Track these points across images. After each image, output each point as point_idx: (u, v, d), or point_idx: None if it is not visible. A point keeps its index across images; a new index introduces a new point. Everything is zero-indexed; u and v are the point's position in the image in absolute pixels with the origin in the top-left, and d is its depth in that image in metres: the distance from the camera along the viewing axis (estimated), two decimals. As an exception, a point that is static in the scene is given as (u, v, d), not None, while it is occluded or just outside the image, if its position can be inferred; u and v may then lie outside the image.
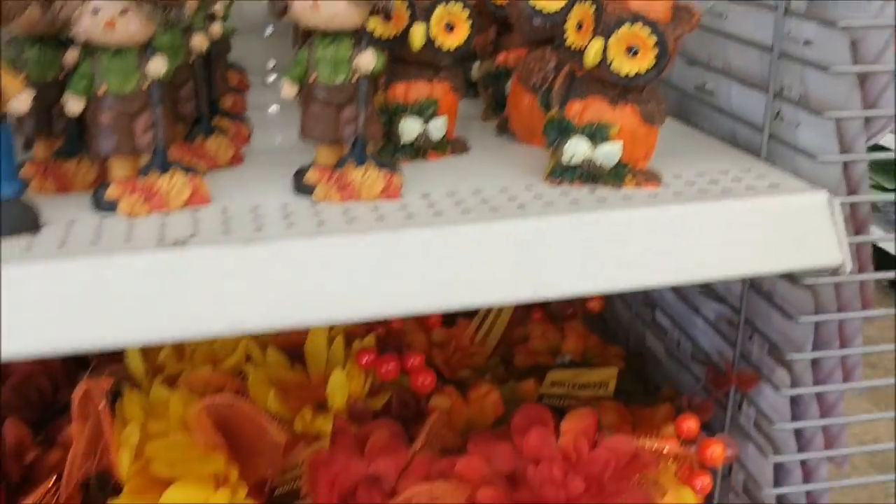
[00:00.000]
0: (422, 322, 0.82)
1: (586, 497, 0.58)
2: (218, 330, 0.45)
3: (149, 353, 0.72)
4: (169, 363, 0.71)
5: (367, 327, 0.76)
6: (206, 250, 0.44)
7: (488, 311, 0.85)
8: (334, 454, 0.59)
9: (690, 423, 0.64)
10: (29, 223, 0.46)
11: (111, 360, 0.70)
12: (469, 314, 0.85)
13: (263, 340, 0.74)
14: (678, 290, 0.77)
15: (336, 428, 0.61)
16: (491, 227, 0.48)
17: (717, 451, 0.62)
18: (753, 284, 0.65)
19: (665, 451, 0.62)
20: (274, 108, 0.71)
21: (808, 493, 0.66)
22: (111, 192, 0.48)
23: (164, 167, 0.49)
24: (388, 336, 0.77)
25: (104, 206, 0.49)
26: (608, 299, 0.89)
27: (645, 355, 0.84)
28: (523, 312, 0.86)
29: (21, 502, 0.58)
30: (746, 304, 0.65)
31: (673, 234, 0.51)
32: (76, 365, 0.73)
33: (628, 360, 0.80)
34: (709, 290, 0.72)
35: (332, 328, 0.74)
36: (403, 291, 0.47)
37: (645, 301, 0.84)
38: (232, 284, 0.45)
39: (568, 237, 0.48)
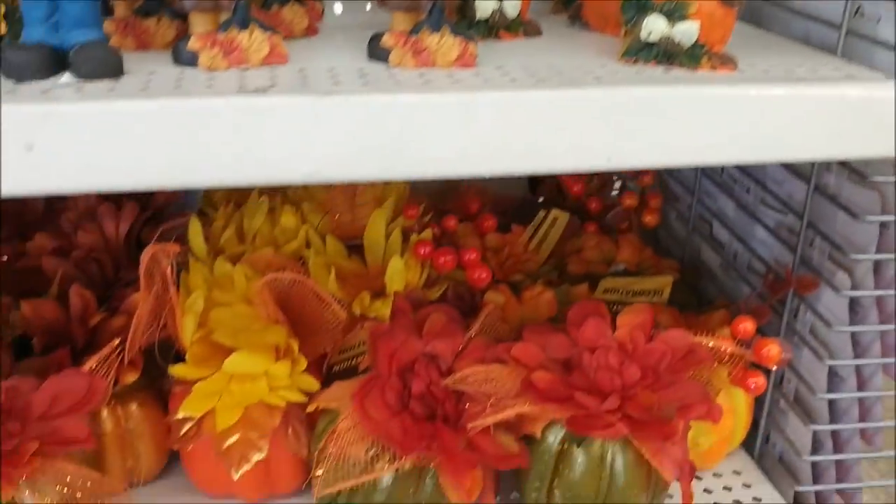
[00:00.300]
0: (476, 226, 0.82)
1: (641, 385, 0.58)
2: (294, 176, 0.45)
3: (210, 234, 0.73)
4: (230, 245, 0.72)
5: (423, 225, 0.77)
6: (285, 99, 0.45)
7: (542, 220, 0.85)
8: (394, 329, 0.60)
9: (747, 325, 0.64)
10: (112, 67, 0.47)
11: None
12: (523, 222, 0.85)
13: (322, 230, 0.75)
14: (739, 201, 0.77)
15: (395, 307, 0.62)
16: (567, 94, 0.47)
17: (773, 349, 0.62)
18: (818, 187, 0.64)
19: (720, 350, 0.62)
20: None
21: (860, 401, 0.65)
22: (192, 44, 0.49)
23: (244, 23, 0.50)
24: (442, 236, 0.78)
25: (185, 58, 0.49)
26: (664, 215, 0.89)
27: (700, 269, 0.83)
28: (577, 225, 0.86)
29: (85, 363, 0.59)
30: (811, 207, 0.65)
31: (747, 114, 0.50)
32: (137, 247, 0.75)
33: (683, 273, 0.80)
34: (772, 197, 0.71)
35: (389, 223, 0.75)
36: (479, 153, 0.47)
37: (702, 216, 0.83)
38: (310, 133, 0.45)
39: (642, 109, 0.48)
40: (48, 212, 0.84)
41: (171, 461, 0.67)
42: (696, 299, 0.81)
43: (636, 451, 0.57)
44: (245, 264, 0.67)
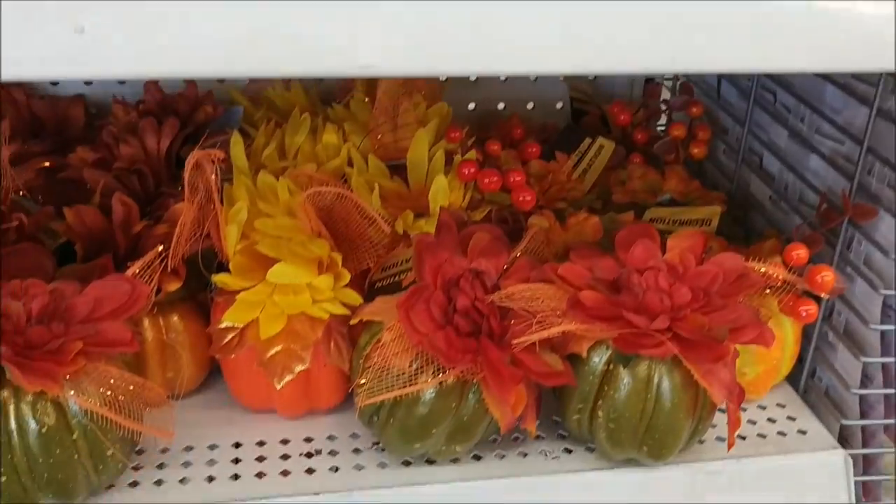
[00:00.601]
0: (520, 153, 0.80)
1: (691, 307, 0.57)
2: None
3: (251, 152, 0.72)
4: (271, 162, 0.71)
5: (466, 148, 0.75)
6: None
7: (588, 148, 0.83)
8: (440, 243, 0.59)
9: (800, 252, 0.62)
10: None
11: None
12: (567, 150, 0.83)
13: (364, 150, 0.73)
14: (793, 130, 0.74)
15: (441, 222, 0.61)
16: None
17: (828, 276, 0.60)
18: (881, 111, 0.62)
19: (772, 276, 0.60)
20: None
21: (913, 334, 0.64)
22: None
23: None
24: (484, 163, 0.76)
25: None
26: (710, 148, 0.86)
27: (748, 202, 0.81)
28: (622, 156, 0.84)
29: (128, 267, 0.59)
30: (871, 132, 0.62)
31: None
32: (178, 165, 0.74)
33: (730, 206, 0.78)
34: (829, 125, 0.69)
35: (432, 145, 0.73)
36: (552, 48, 0.45)
37: (752, 147, 0.81)
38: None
39: (710, 13, 0.46)
40: (88, 128, 0.83)
41: (211, 377, 0.67)
42: (743, 232, 0.79)
43: (684, 372, 0.56)
44: (288, 178, 0.66)
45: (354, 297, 0.60)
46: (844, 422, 0.65)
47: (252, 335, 0.59)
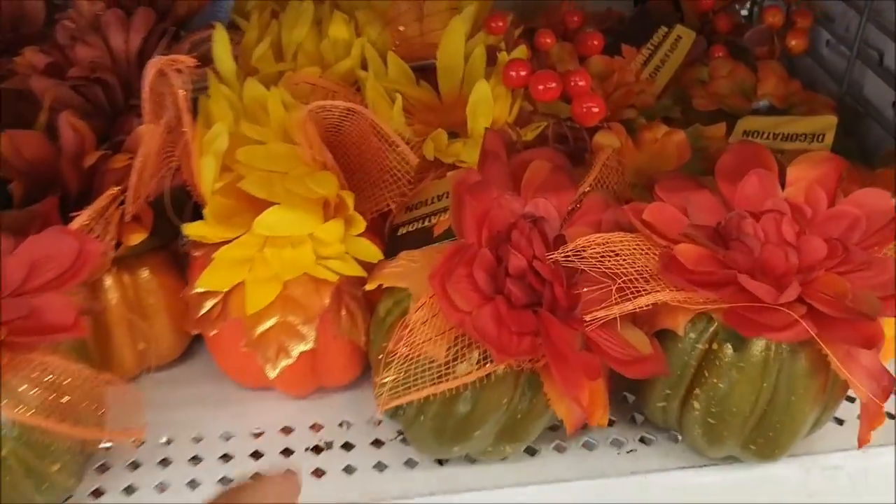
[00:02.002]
0: (577, 46, 0.64)
1: (826, 266, 0.42)
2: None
3: (241, 51, 0.56)
4: (264, 64, 0.55)
5: (513, 42, 0.59)
6: None
7: (660, 41, 0.67)
8: (485, 181, 0.44)
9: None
10: None
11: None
12: (635, 43, 0.67)
13: (383, 46, 0.57)
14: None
15: (487, 148, 0.46)
16: None
17: None
18: None
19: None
20: None
21: None
22: None
23: None
24: (533, 60, 0.60)
25: None
26: (814, 40, 0.69)
27: (863, 108, 0.65)
28: (702, 48, 0.68)
29: (77, 215, 0.45)
30: None
31: None
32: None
33: (841, 113, 0.62)
34: None
35: (468, 38, 0.57)
36: None
37: (869, 40, 0.64)
38: None
39: None
40: (50, 23, 0.67)
41: (196, 342, 0.53)
42: (857, 146, 0.63)
43: (813, 354, 0.42)
44: (283, 87, 0.51)
45: (372, 251, 0.46)
46: None
47: (237, 304, 0.45)
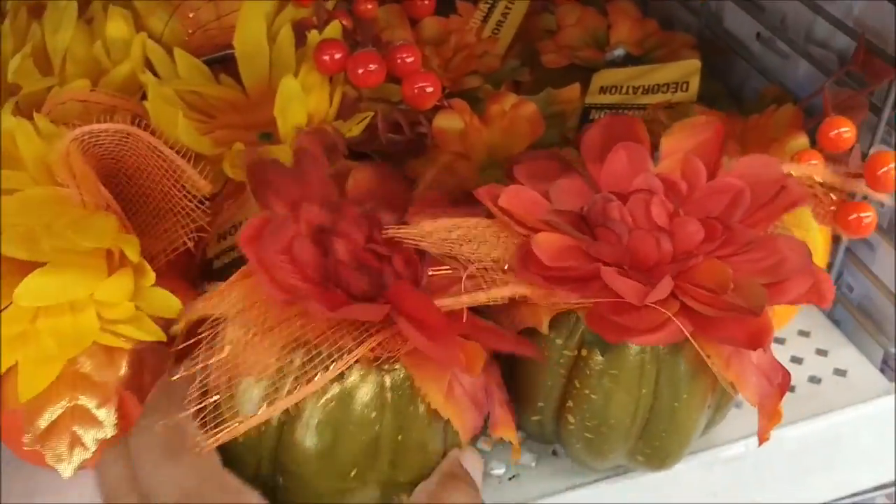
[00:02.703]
0: (407, 8, 0.56)
1: (705, 249, 0.36)
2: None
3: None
4: (26, 80, 0.45)
5: (326, 15, 0.50)
6: None
7: (497, -8, 0.59)
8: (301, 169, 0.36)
9: (843, 130, 0.42)
10: None
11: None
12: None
13: (170, 40, 0.48)
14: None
15: (300, 151, 0.37)
16: None
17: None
18: None
19: (818, 177, 0.40)
20: None
21: None
22: None
23: None
24: (355, 31, 0.51)
25: None
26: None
27: (726, 44, 0.59)
28: (547, -6, 0.61)
29: None
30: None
31: None
32: None
33: (703, 53, 0.56)
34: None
35: (273, 16, 0.48)
36: None
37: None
38: None
39: None
40: None
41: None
42: (723, 90, 0.57)
43: (696, 352, 0.36)
44: (48, 109, 0.42)
45: (170, 303, 0.37)
46: (893, 348, 0.48)
47: (11, 391, 0.36)
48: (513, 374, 0.39)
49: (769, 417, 0.37)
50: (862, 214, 0.41)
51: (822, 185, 0.41)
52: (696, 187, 0.38)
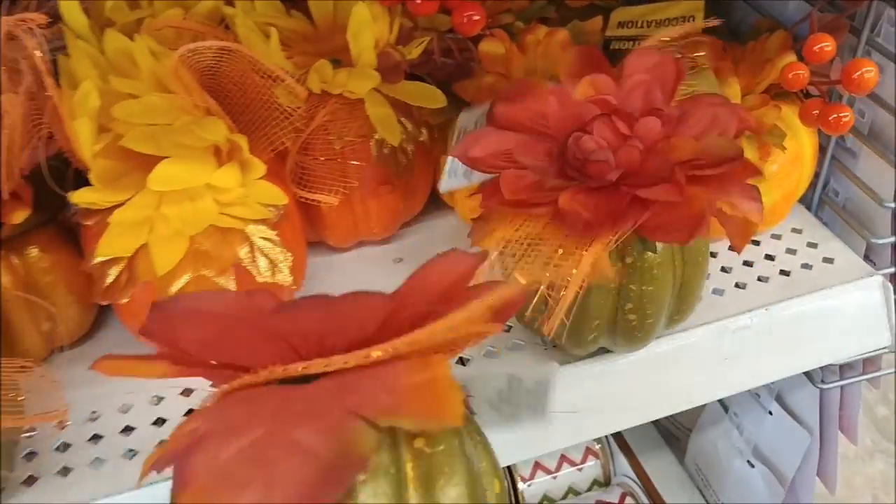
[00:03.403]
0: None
1: (665, 132, 0.41)
2: None
3: (91, 7, 0.53)
4: (118, 14, 0.52)
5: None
6: None
7: (523, -60, 0.66)
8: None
9: (825, 45, 0.49)
10: None
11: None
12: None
13: (246, -22, 0.55)
14: None
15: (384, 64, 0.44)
16: None
17: (869, 73, 0.47)
18: None
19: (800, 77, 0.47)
20: None
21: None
22: None
23: None
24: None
25: None
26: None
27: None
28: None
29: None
30: None
31: None
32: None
33: (705, -8, 0.63)
34: None
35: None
36: None
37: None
38: None
39: None
40: None
41: (104, 310, 0.51)
42: (726, 26, 0.65)
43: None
44: (146, 35, 0.48)
45: (275, 194, 0.45)
46: (874, 239, 0.56)
47: (144, 267, 0.43)
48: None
49: (747, 227, 0.42)
50: (840, 114, 0.49)
51: (809, 84, 0.48)
52: (615, 95, 0.43)
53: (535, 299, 0.42)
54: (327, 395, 0.29)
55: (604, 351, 0.49)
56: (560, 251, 0.41)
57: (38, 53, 0.40)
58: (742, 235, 0.43)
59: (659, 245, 0.43)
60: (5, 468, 0.41)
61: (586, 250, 0.40)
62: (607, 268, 0.41)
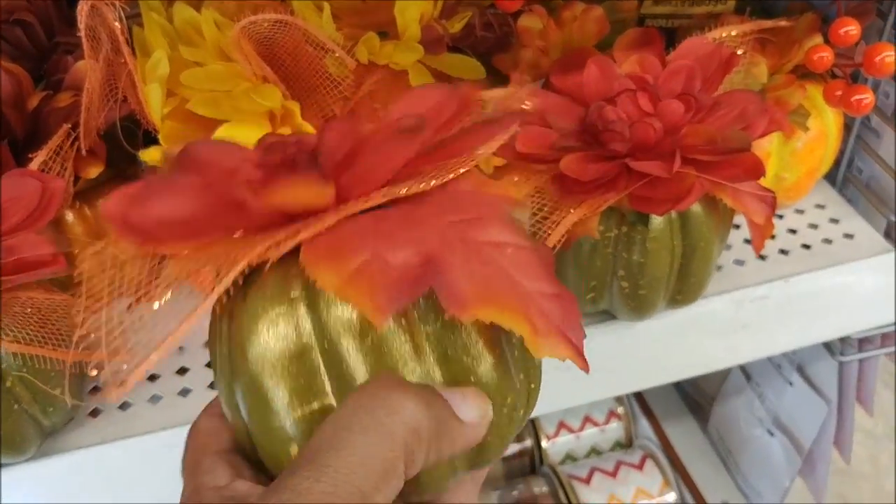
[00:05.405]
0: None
1: (687, 119, 0.44)
2: None
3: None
4: (186, -11, 0.56)
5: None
6: None
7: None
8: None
9: (850, 28, 0.51)
10: None
11: None
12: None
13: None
14: None
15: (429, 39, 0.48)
16: None
17: (889, 57, 0.50)
18: None
19: (822, 59, 0.49)
20: None
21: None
22: None
23: None
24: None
25: None
26: None
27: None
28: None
29: (32, 158, 0.46)
30: None
31: None
32: (70, 6, 0.59)
33: (741, -27, 0.65)
34: None
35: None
36: None
37: None
38: None
39: None
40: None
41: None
42: (759, 5, 0.67)
43: (706, 201, 0.46)
44: (211, 7, 0.52)
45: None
46: (894, 217, 0.58)
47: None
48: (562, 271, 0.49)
49: (764, 231, 0.46)
50: (862, 96, 0.51)
51: (832, 65, 0.51)
52: (658, 75, 0.46)
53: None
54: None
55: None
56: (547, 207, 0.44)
57: (116, 24, 0.44)
58: (761, 235, 0.46)
59: (655, 220, 0.46)
60: (76, 398, 0.46)
61: (573, 209, 0.43)
62: (594, 230, 0.44)
